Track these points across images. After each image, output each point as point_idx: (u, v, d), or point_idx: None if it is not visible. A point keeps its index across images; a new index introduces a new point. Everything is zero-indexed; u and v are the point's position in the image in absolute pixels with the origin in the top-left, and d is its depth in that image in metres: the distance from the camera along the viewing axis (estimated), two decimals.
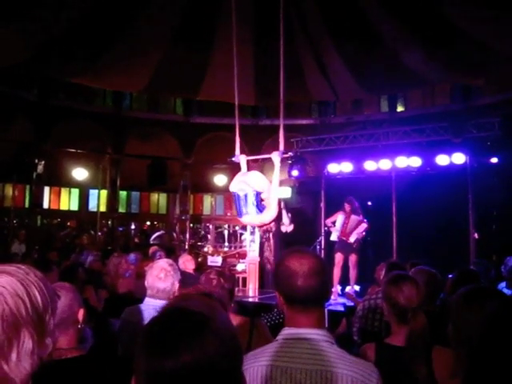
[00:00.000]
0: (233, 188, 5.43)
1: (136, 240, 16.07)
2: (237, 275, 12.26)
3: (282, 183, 12.82)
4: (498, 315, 1.74)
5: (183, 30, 8.24)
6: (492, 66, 8.48)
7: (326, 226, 10.41)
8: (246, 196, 5.28)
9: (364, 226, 9.70)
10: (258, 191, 5.25)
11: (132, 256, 6.51)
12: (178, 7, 7.86)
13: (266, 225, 5.35)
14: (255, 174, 5.49)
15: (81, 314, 2.16)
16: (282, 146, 5.69)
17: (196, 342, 0.95)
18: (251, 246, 13.07)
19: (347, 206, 9.79)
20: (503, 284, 5.98)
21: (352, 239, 9.61)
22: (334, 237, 9.93)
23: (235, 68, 6.21)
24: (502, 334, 1.69)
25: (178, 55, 8.61)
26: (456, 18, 7.07)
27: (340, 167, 11.59)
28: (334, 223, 9.93)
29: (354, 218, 9.70)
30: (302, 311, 1.71)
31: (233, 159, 5.94)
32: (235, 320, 2.95)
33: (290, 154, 5.95)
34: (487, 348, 1.68)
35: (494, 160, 9.76)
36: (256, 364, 1.67)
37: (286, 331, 1.72)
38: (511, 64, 8.16)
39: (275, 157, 5.51)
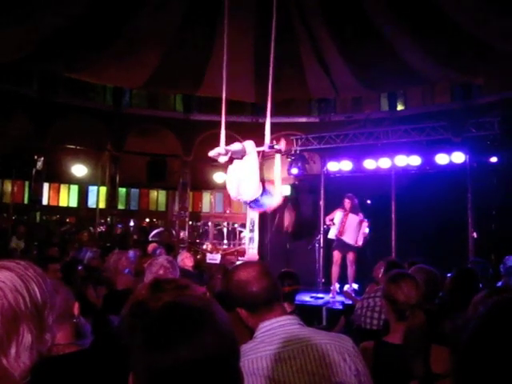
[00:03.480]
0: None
1: (135, 237, 16.07)
2: None
3: (281, 181, 12.86)
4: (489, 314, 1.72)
5: (183, 26, 8.23)
6: (491, 65, 8.48)
7: (325, 223, 10.40)
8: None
9: (365, 225, 9.72)
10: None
11: (131, 253, 6.52)
12: (179, 3, 7.86)
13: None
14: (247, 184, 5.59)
15: (76, 307, 2.16)
16: (267, 139, 5.72)
17: (194, 337, 0.95)
18: (250, 243, 13.06)
19: (347, 203, 9.75)
20: (500, 283, 5.99)
21: (360, 242, 9.63)
22: (331, 234, 9.93)
23: (224, 66, 6.23)
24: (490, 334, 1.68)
25: (177, 51, 8.61)
26: (456, 15, 7.07)
27: (340, 165, 11.58)
28: (332, 220, 9.93)
29: (352, 217, 9.66)
30: (267, 311, 1.84)
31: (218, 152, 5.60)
32: (237, 318, 2.94)
33: (279, 147, 5.90)
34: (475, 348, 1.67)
35: (494, 159, 9.76)
36: (248, 358, 1.72)
37: (261, 325, 1.83)
38: (510, 62, 8.16)
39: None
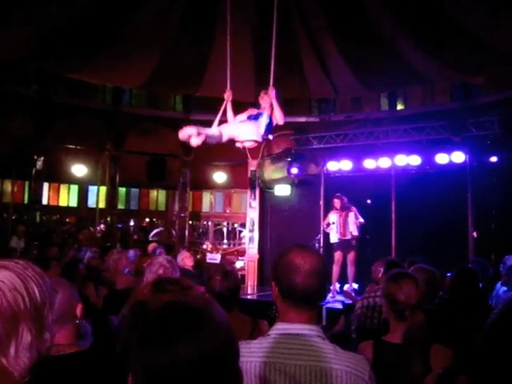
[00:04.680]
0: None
1: (135, 237, 16.06)
2: None
3: (281, 181, 12.88)
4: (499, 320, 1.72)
5: (183, 26, 8.23)
6: (491, 65, 8.47)
7: (323, 228, 10.49)
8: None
9: (352, 214, 9.73)
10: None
11: (131, 253, 6.52)
12: (178, 3, 7.86)
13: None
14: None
15: (79, 309, 2.16)
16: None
17: (193, 336, 0.95)
18: (250, 243, 13.06)
19: (336, 203, 9.90)
20: (500, 283, 5.99)
21: (355, 232, 9.65)
22: (334, 239, 9.96)
23: (229, 66, 6.29)
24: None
25: (177, 51, 8.61)
26: (456, 15, 7.06)
27: (339, 165, 11.59)
28: (329, 225, 10.01)
29: (344, 212, 9.79)
30: (296, 308, 1.71)
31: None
32: (237, 319, 2.95)
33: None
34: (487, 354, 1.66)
35: (494, 159, 9.76)
36: (250, 360, 1.67)
37: (279, 326, 1.73)
38: (510, 63, 8.16)
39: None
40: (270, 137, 6.12)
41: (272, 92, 5.84)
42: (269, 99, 5.89)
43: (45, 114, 13.00)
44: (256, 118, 5.90)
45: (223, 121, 6.07)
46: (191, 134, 5.06)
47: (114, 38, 8.22)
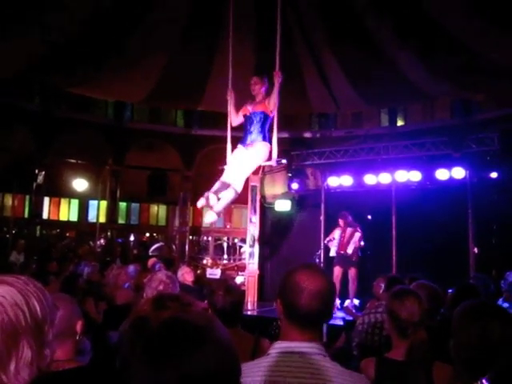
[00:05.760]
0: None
1: (135, 251, 16.02)
2: None
3: (281, 196, 12.87)
4: (502, 336, 1.73)
5: (184, 42, 8.30)
6: (492, 82, 8.52)
7: (325, 242, 10.52)
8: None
9: (358, 234, 9.79)
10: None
11: (131, 268, 6.50)
12: (179, 20, 7.93)
13: None
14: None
15: (79, 325, 2.15)
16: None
17: (195, 353, 0.95)
18: (250, 258, 13.02)
19: (341, 221, 9.99)
20: (501, 299, 5.97)
21: (349, 250, 9.69)
22: (332, 252, 10.06)
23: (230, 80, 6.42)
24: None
25: (179, 66, 8.67)
26: (457, 32, 7.12)
27: (340, 181, 11.59)
28: (331, 239, 10.09)
29: (349, 230, 9.84)
30: (298, 327, 1.70)
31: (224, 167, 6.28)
32: (239, 336, 2.92)
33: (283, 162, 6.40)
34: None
35: (494, 175, 9.77)
36: (251, 378, 1.64)
37: (279, 345, 1.70)
38: (509, 79, 8.20)
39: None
40: (284, 161, 6.50)
41: (279, 77, 6.03)
42: (262, 86, 6.28)
43: (46, 128, 13.06)
44: (261, 123, 6.10)
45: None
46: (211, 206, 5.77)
47: (115, 52, 8.29)
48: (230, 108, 6.50)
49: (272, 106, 6.12)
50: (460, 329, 1.81)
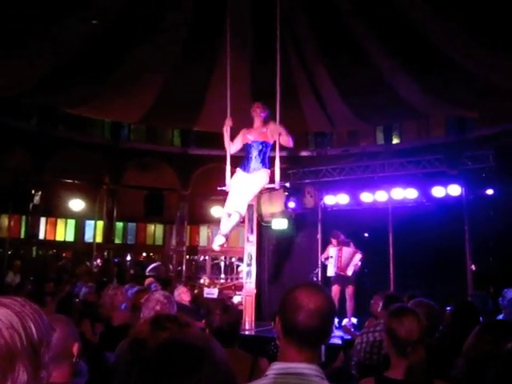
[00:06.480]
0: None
1: (132, 271, 15.93)
2: None
3: (278, 215, 12.87)
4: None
5: (181, 63, 8.36)
6: (486, 99, 8.59)
7: (322, 261, 10.51)
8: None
9: (359, 256, 9.77)
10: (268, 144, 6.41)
11: (127, 288, 6.45)
12: (177, 40, 8.00)
13: None
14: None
15: (76, 348, 2.13)
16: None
17: (192, 374, 0.94)
18: (248, 277, 12.96)
19: (334, 241, 9.99)
20: (501, 316, 5.94)
21: (349, 272, 9.66)
22: (330, 272, 9.98)
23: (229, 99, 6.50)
24: None
25: (175, 86, 8.72)
26: (449, 50, 7.21)
27: (336, 199, 11.61)
28: (327, 258, 10.04)
29: (346, 249, 9.79)
30: (296, 346, 1.68)
31: (223, 188, 6.47)
32: (236, 356, 2.90)
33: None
34: None
35: (490, 191, 9.80)
36: None
37: (276, 366, 1.69)
38: (505, 97, 8.28)
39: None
40: (287, 184, 6.79)
41: (280, 128, 6.33)
42: (263, 111, 6.50)
43: (43, 148, 13.07)
44: (262, 152, 6.25)
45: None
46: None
47: (113, 73, 8.34)
48: (228, 140, 6.65)
49: (274, 136, 6.38)
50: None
